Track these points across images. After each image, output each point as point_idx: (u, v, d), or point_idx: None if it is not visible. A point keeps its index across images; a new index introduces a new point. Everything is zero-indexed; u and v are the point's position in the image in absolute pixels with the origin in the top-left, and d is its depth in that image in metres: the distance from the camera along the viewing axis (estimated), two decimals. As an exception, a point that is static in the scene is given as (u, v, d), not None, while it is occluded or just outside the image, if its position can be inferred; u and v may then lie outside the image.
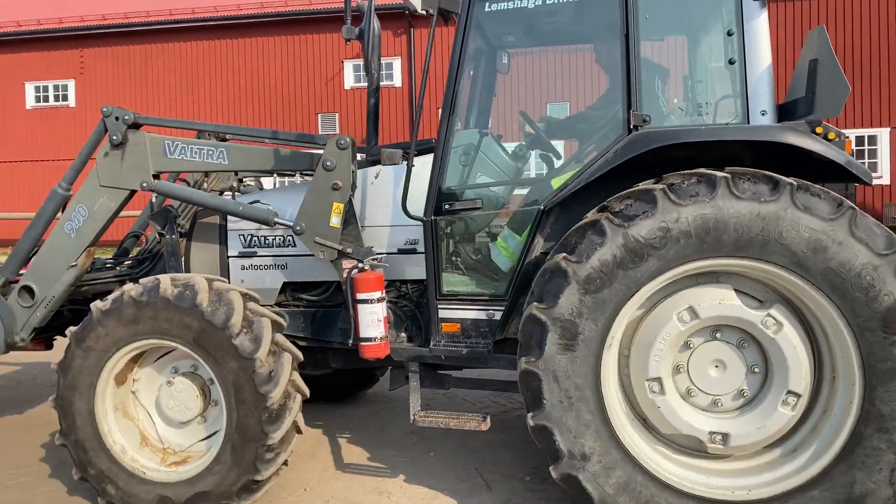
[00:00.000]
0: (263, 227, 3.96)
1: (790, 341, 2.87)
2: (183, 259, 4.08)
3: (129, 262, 4.53)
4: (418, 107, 3.50)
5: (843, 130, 3.02)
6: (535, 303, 2.97)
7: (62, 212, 3.94)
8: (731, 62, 3.15)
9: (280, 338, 3.40)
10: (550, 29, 3.72)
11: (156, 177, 3.84)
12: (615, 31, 3.20)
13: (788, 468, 2.93)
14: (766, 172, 2.80)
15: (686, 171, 2.89)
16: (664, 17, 3.39)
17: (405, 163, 3.48)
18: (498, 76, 4.13)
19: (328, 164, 3.57)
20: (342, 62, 19.50)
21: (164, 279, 3.34)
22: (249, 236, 4.05)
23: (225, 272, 4.06)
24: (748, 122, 3.11)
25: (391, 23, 18.47)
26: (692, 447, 3.08)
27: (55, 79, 21.18)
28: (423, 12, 3.44)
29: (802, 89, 3.10)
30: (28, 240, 3.98)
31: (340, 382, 5.16)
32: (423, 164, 3.55)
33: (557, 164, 3.92)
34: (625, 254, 2.84)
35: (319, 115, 19.83)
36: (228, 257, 4.07)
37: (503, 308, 3.46)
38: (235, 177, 4.48)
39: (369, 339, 3.47)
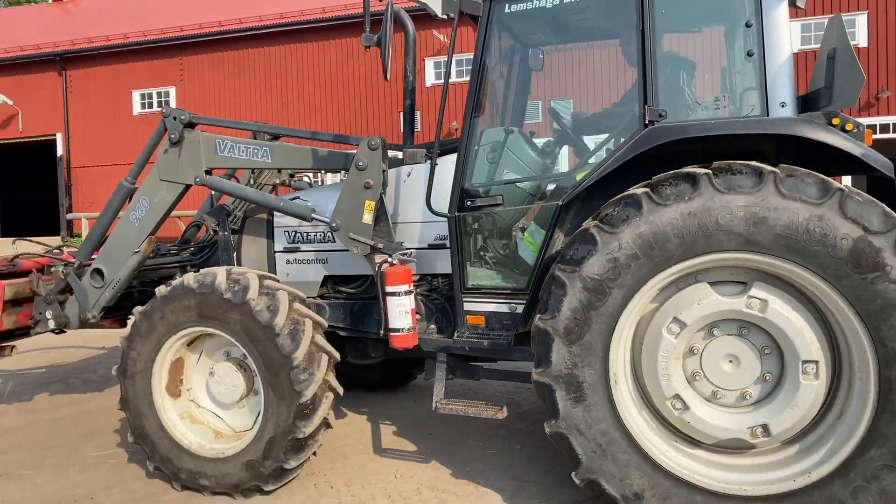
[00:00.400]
0: (305, 223, 4.23)
1: (781, 314, 2.84)
2: (235, 253, 4.42)
3: (191, 249, 4.93)
4: (441, 107, 3.63)
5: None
6: (534, 368, 3.11)
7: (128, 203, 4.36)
8: (749, 54, 3.10)
9: (319, 339, 3.63)
10: (571, 27, 3.76)
11: (208, 172, 4.16)
12: (632, 28, 3.22)
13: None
14: (687, 170, 2.85)
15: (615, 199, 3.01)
16: (682, 11, 3.36)
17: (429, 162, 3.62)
18: (524, 74, 4.19)
19: (360, 164, 3.78)
20: (423, 60, 19.80)
21: (221, 273, 3.63)
22: (293, 232, 4.34)
23: (272, 266, 4.36)
24: (767, 114, 3.05)
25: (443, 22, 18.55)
26: (739, 447, 3.04)
27: (158, 86, 22.63)
28: (444, 16, 3.56)
29: (822, 79, 3.00)
30: (99, 227, 4.43)
31: (392, 372, 5.38)
32: (452, 163, 3.69)
33: (579, 159, 3.95)
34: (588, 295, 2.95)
35: (401, 113, 20.20)
36: (275, 252, 4.36)
37: (525, 301, 3.54)
38: (280, 174, 4.79)
39: (397, 330, 3.64)
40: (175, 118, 4.09)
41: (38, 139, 23.25)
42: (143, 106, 22.93)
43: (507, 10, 3.51)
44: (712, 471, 3.01)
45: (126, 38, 22.22)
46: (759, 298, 2.86)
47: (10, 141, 23.56)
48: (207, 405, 3.87)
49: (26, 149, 24.20)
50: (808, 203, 2.67)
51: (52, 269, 4.40)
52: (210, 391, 3.84)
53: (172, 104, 22.30)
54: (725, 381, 3.03)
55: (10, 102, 22.42)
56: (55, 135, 22.96)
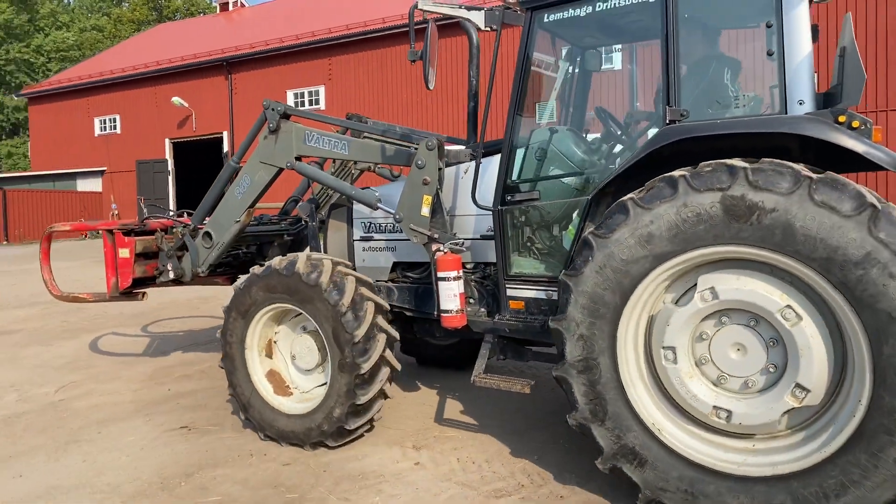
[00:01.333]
0: (378, 215, 4.78)
1: (807, 333, 2.89)
2: (321, 241, 5.07)
3: (288, 220, 5.72)
4: (486, 110, 3.96)
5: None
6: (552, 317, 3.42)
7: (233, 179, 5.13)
8: (769, 54, 3.13)
9: (380, 320, 4.13)
10: (604, 31, 3.93)
11: (298, 159, 4.78)
12: (657, 30, 3.36)
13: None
14: (727, 162, 2.93)
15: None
16: (705, 13, 3.42)
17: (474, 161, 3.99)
18: (562, 74, 4.39)
19: (419, 162, 4.22)
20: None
21: (302, 258, 4.24)
22: (368, 223, 4.90)
23: (351, 253, 4.96)
24: (786, 112, 3.07)
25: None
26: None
27: (309, 86, 24.53)
28: (488, 29, 3.88)
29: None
30: (210, 198, 5.24)
31: (461, 353, 5.80)
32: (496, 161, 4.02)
33: (612, 157, 4.10)
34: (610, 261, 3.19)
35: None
36: (353, 241, 4.96)
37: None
38: (356, 166, 5.38)
39: (447, 311, 4.05)
40: (273, 109, 4.72)
41: (209, 137, 26.26)
42: (296, 105, 24.95)
43: (545, 20, 3.77)
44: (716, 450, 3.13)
45: (281, 42, 24.27)
46: (796, 312, 2.92)
47: (185, 139, 26.85)
48: (288, 369, 4.53)
49: (198, 145, 27.42)
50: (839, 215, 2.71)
51: (174, 229, 5.36)
52: (291, 357, 4.49)
53: (322, 103, 24.13)
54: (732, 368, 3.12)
55: (186, 105, 25.54)
56: (222, 132, 25.78)
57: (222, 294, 8.25)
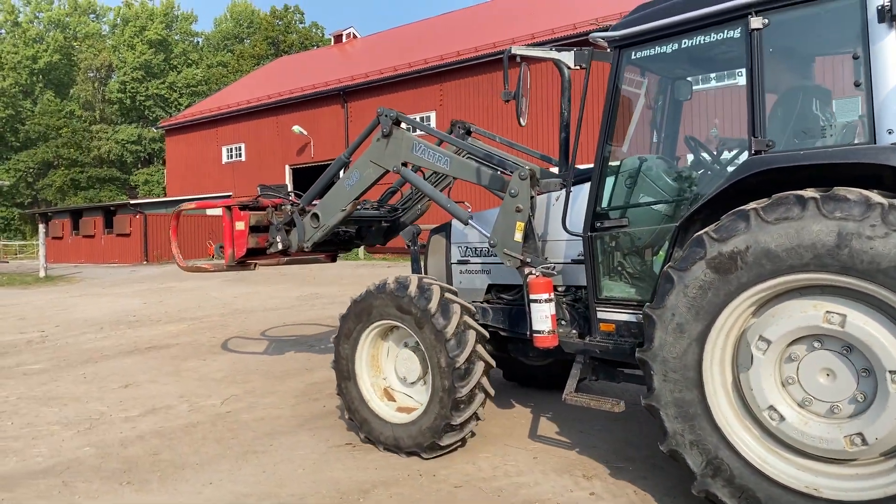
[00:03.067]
0: (474, 240, 5.12)
1: (861, 326, 2.92)
2: (422, 264, 5.47)
3: (386, 208, 6.27)
4: (575, 141, 4.20)
5: None
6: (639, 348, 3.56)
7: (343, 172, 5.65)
8: (856, 85, 3.17)
9: (480, 348, 4.40)
10: (691, 64, 4.05)
11: (404, 164, 5.21)
12: (743, 62, 3.48)
13: None
14: (796, 193, 3.05)
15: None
16: (791, 46, 3.49)
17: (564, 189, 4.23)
18: (656, 105, 4.53)
19: (512, 191, 4.52)
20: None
21: (414, 281, 4.59)
22: (465, 247, 5.25)
23: (449, 275, 5.32)
24: (875, 142, 3.10)
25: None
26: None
27: (420, 111, 25.33)
28: (577, 67, 4.12)
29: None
30: (319, 185, 5.82)
31: (551, 373, 5.98)
32: (587, 188, 4.24)
33: (699, 185, 4.19)
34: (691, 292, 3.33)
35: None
36: (451, 263, 5.32)
37: (648, 312, 3.95)
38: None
39: (539, 332, 4.29)
40: (387, 116, 5.17)
41: (326, 162, 27.85)
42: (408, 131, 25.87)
43: (633, 56, 3.97)
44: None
45: (395, 71, 25.41)
46: (836, 313, 2.99)
47: (304, 164, 28.64)
48: (391, 379, 4.92)
49: (317, 170, 29.12)
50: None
51: (282, 206, 5.98)
52: (394, 369, 4.88)
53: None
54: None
55: (305, 133, 27.30)
56: (336, 159, 27.28)
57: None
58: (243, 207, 5.96)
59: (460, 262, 5.29)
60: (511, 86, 4.11)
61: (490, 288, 5.15)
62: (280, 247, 5.93)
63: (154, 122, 57.26)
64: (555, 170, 5.38)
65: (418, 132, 5.29)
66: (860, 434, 2.96)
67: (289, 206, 6.00)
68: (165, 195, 43.60)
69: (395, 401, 4.84)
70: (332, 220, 5.58)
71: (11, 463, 4.76)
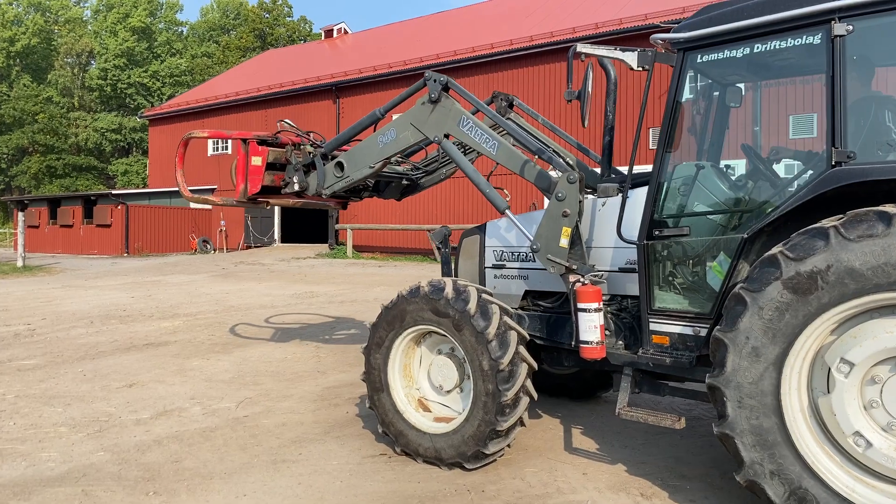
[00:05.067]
0: (511, 245, 4.95)
1: None
2: (454, 267, 5.28)
3: (409, 166, 6.12)
4: (634, 147, 4.05)
5: None
6: (709, 373, 3.40)
7: (374, 128, 5.46)
8: (948, 95, 3.06)
9: (522, 349, 4.21)
10: (762, 69, 3.93)
11: (446, 136, 4.95)
12: (822, 71, 3.36)
13: None
14: (880, 209, 2.95)
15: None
16: (875, 54, 3.38)
17: (620, 194, 4.08)
18: (715, 111, 4.41)
19: (560, 195, 4.35)
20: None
21: (449, 284, 4.39)
22: (500, 251, 5.07)
23: (482, 279, 5.14)
24: (968, 157, 3.00)
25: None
26: None
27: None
28: (640, 69, 3.98)
29: None
30: (346, 134, 5.64)
31: (583, 383, 5.85)
32: (641, 194, 4.10)
33: (767, 196, 4.07)
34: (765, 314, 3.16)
35: (650, 130, 20.01)
36: (485, 268, 5.13)
37: (708, 325, 3.81)
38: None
39: (587, 343, 4.13)
40: (435, 80, 4.87)
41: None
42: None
43: (699, 60, 3.83)
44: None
45: (390, 68, 25.14)
46: None
47: (291, 159, 28.22)
48: (426, 390, 4.72)
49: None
50: None
51: (301, 146, 5.77)
52: (430, 379, 4.68)
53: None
54: None
55: (294, 126, 26.88)
56: (327, 154, 26.95)
57: (354, 319, 8.61)
58: (262, 142, 5.68)
59: (495, 267, 5.11)
60: (575, 85, 3.94)
61: (526, 294, 4.98)
62: (296, 188, 5.72)
63: (135, 110, 56.19)
64: (594, 168, 5.23)
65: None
66: (954, 460, 2.86)
67: (309, 148, 5.80)
68: (146, 186, 42.78)
69: (430, 411, 4.65)
70: (357, 175, 5.42)
71: (21, 468, 4.47)
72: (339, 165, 5.51)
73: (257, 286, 15.76)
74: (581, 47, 3.88)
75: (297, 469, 4.40)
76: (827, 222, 3.09)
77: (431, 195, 23.78)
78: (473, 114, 5.04)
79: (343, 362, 7.60)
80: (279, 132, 5.87)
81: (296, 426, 5.31)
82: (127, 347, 8.61)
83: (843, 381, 3.10)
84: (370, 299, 13.05)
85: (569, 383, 5.85)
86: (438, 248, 5.40)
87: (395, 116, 5.21)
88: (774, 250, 3.20)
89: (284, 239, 29.45)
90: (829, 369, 3.18)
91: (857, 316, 3.10)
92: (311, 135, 6.02)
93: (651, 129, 19.35)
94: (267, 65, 35.77)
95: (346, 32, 37.37)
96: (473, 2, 32.93)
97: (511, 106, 5.67)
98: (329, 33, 37.56)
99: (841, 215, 3.11)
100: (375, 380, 4.67)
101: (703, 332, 3.84)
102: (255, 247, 28.89)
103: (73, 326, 10.25)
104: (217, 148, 30.96)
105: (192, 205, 30.99)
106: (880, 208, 2.95)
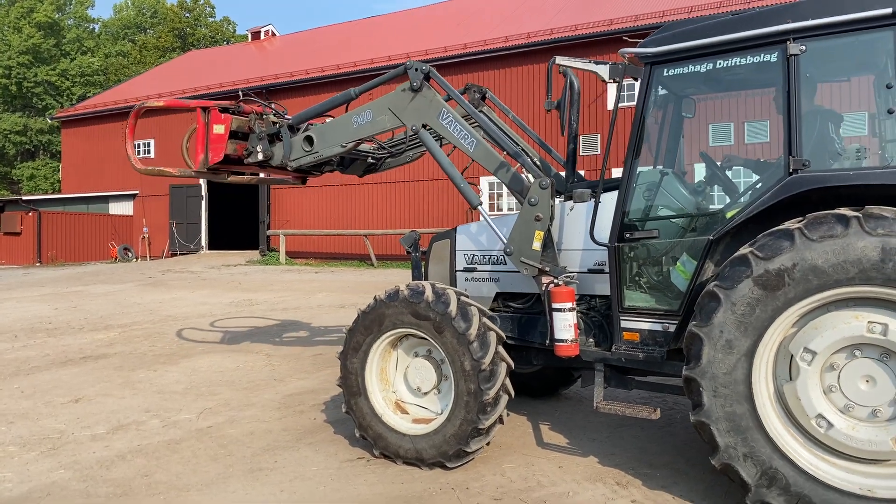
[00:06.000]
0: (482, 249, 5.08)
1: None
2: (423, 270, 5.36)
3: (375, 144, 6.15)
4: (605, 155, 4.27)
5: None
6: (685, 366, 3.62)
7: (346, 109, 5.40)
8: (890, 112, 3.44)
9: (501, 349, 4.34)
10: (722, 83, 4.25)
11: (424, 126, 4.95)
12: (778, 87, 3.68)
13: None
14: (839, 212, 3.24)
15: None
16: (826, 72, 3.74)
17: (593, 199, 4.29)
18: (678, 121, 4.71)
19: (532, 200, 4.52)
20: (605, 84, 20.13)
21: (428, 287, 4.45)
22: (471, 255, 5.20)
23: (453, 283, 5.24)
24: (907, 165, 3.37)
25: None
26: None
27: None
28: (611, 81, 4.21)
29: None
30: (315, 110, 5.62)
31: (546, 381, 6.05)
32: (610, 199, 4.32)
33: (728, 200, 4.39)
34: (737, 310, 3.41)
35: (581, 137, 20.54)
36: (456, 271, 5.25)
37: (676, 322, 4.06)
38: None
39: (562, 341, 4.30)
40: (417, 69, 4.87)
41: (241, 162, 26.76)
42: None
43: (665, 74, 4.09)
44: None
45: (322, 72, 24.71)
46: (878, 323, 3.20)
47: (219, 164, 27.37)
48: (403, 392, 4.77)
49: (231, 170, 27.98)
50: None
51: (265, 116, 5.69)
52: (407, 381, 4.73)
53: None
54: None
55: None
56: (255, 158, 26.27)
57: (300, 326, 8.47)
58: (224, 110, 5.56)
59: (466, 270, 5.23)
60: (554, 95, 4.12)
61: (497, 296, 5.13)
62: (260, 157, 5.60)
63: (43, 111, 52.85)
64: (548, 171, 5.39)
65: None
66: (907, 435, 3.19)
67: (273, 118, 5.72)
68: (57, 192, 40.35)
69: (407, 413, 4.70)
70: (328, 152, 5.41)
71: (-25, 491, 4.22)
72: (309, 140, 5.47)
73: (191, 295, 15.23)
74: (560, 59, 4.06)
75: (276, 477, 4.35)
76: (791, 224, 3.39)
77: (365, 201, 23.69)
78: (446, 101, 5.05)
79: (298, 370, 7.50)
80: (241, 100, 5.75)
81: (264, 434, 5.23)
82: (62, 361, 8.18)
83: (806, 369, 3.40)
84: (313, 306, 12.89)
85: (531, 382, 6.03)
86: (408, 252, 5.46)
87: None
88: (744, 250, 3.46)
89: (212, 245, 28.45)
90: (792, 358, 3.48)
91: (818, 309, 3.41)
92: (274, 105, 5.93)
93: (582, 137, 20.06)
94: (191, 65, 34.55)
95: (273, 35, 36.65)
96: (402, 8, 33.02)
97: (483, 98, 5.75)
98: (256, 35, 36.70)
99: (801, 217, 3.41)
100: (352, 384, 4.68)
101: (672, 329, 4.09)
102: (181, 254, 27.78)
103: (-4, 341, 9.62)
104: (139, 152, 29.62)
105: (112, 211, 29.51)
106: (838, 211, 3.27)
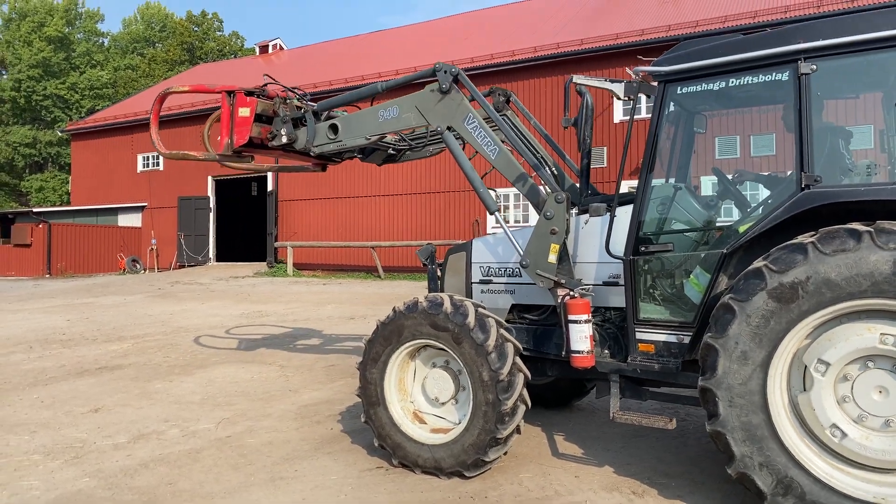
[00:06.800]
0: (498, 261, 5.19)
1: None
2: (440, 283, 5.47)
3: (398, 137, 6.14)
4: (620, 170, 4.37)
5: None
6: (701, 377, 3.71)
7: (371, 102, 5.54)
8: (899, 129, 3.53)
9: (518, 360, 4.41)
10: (735, 100, 4.36)
11: (449, 128, 5.04)
12: (790, 105, 3.78)
13: None
14: (851, 227, 3.35)
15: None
16: (837, 91, 3.84)
17: (609, 213, 4.39)
18: (692, 137, 4.82)
19: (548, 214, 4.63)
20: (611, 96, 20.29)
21: (447, 299, 4.54)
22: (487, 267, 5.30)
23: (469, 294, 5.34)
24: (914, 181, 3.46)
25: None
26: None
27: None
28: (626, 98, 4.32)
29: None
30: (341, 100, 5.71)
31: (559, 393, 6.13)
32: (625, 213, 4.42)
33: (741, 214, 4.48)
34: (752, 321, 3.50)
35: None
36: (472, 283, 5.34)
37: (691, 334, 4.15)
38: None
39: (578, 352, 4.39)
40: (446, 71, 4.95)
41: (253, 174, 26.98)
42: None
43: (678, 92, 4.21)
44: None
45: (330, 86, 24.94)
46: (891, 335, 3.28)
47: (229, 177, 27.62)
48: (420, 402, 4.85)
49: (242, 183, 28.21)
50: None
51: (288, 101, 5.78)
52: (424, 391, 4.82)
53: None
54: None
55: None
56: (266, 172, 26.50)
57: (312, 338, 8.56)
58: (249, 93, 5.65)
59: (482, 282, 5.33)
60: (571, 113, 4.23)
61: (513, 308, 5.22)
62: (284, 140, 5.67)
63: (52, 124, 53.37)
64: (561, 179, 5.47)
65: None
66: (920, 445, 3.26)
67: (295, 101, 5.81)
68: (66, 204, 40.68)
69: (425, 423, 4.78)
70: (351, 142, 5.52)
71: (3, 498, 4.30)
72: (333, 128, 5.58)
73: (201, 306, 15.35)
74: (577, 78, 4.18)
75: (298, 486, 4.43)
76: (804, 238, 3.48)
77: (372, 213, 23.83)
78: (470, 101, 5.10)
79: (312, 380, 7.59)
80: (265, 85, 5.83)
81: (283, 444, 5.31)
82: (79, 372, 8.28)
83: (820, 380, 3.48)
84: (323, 317, 12.98)
85: (545, 393, 6.11)
86: (425, 265, 5.57)
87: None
88: (758, 264, 3.55)
89: (220, 257, 28.62)
90: (806, 369, 3.56)
91: (831, 321, 3.49)
92: (297, 89, 6.00)
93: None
94: (199, 79, 34.87)
95: (281, 49, 37.03)
96: (408, 22, 33.34)
97: (508, 101, 5.83)
98: (264, 49, 37.11)
99: (814, 232, 3.50)
100: (371, 394, 4.77)
101: (687, 340, 4.17)
102: (189, 266, 27.95)
103: (12, 352, 9.74)
104: (148, 164, 29.91)
105: (122, 223, 29.72)
106: (850, 226, 3.36)
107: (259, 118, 5.72)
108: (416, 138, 6.26)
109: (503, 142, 5.03)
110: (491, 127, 5.16)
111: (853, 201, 3.50)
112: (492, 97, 5.79)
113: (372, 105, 5.51)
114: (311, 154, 5.78)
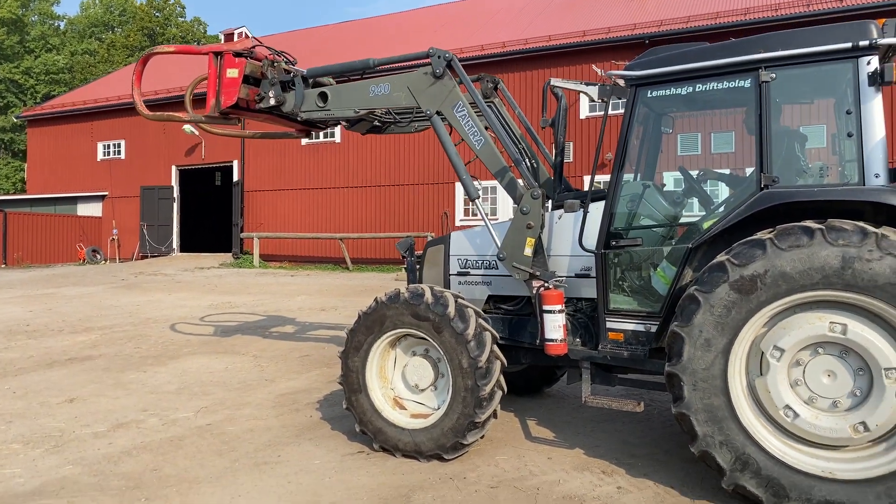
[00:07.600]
0: (475, 254, 5.39)
1: (859, 333, 3.55)
2: (419, 274, 5.65)
3: (385, 109, 6.09)
4: (593, 168, 4.61)
5: None
6: (667, 363, 3.97)
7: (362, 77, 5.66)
8: (849, 135, 3.84)
9: (496, 348, 4.63)
10: (700, 104, 4.64)
11: (438, 113, 5.15)
12: (751, 112, 4.06)
13: None
14: (805, 224, 3.64)
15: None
16: (794, 98, 4.14)
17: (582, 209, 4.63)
18: (660, 137, 5.09)
19: (524, 209, 4.85)
20: (578, 94, 20.66)
21: (427, 290, 4.73)
22: (465, 260, 5.50)
23: (446, 286, 5.53)
24: (864, 184, 3.77)
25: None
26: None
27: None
28: (600, 101, 4.55)
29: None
30: (332, 69, 5.83)
31: (530, 380, 6.37)
32: (597, 209, 4.66)
33: (705, 211, 4.77)
34: (715, 311, 3.77)
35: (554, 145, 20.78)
36: (450, 275, 5.54)
37: (658, 323, 4.42)
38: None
39: (552, 340, 4.63)
40: (440, 56, 5.06)
41: (218, 165, 26.68)
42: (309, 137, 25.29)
43: (649, 95, 4.46)
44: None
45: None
46: (839, 323, 3.59)
47: (193, 166, 27.23)
48: (400, 389, 5.04)
49: (207, 173, 27.85)
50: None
51: (276, 64, 5.85)
52: (404, 379, 5.00)
53: (337, 136, 24.63)
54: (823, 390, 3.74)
55: (196, 132, 25.96)
56: (232, 161, 26.20)
57: (283, 328, 8.67)
58: (237, 55, 5.69)
59: (460, 274, 5.53)
60: (549, 113, 4.44)
61: (489, 298, 5.43)
62: (272, 102, 5.72)
63: (5, 109, 51.61)
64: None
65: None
66: (863, 423, 3.58)
67: (283, 64, 5.85)
68: (22, 192, 39.43)
69: (405, 409, 4.96)
70: (339, 113, 5.62)
71: (-13, 485, 4.34)
72: (323, 96, 5.65)
73: (167, 297, 15.22)
74: (554, 81, 4.39)
75: (282, 470, 4.58)
76: (763, 234, 3.76)
77: (340, 204, 23.81)
78: (458, 84, 5.20)
79: (287, 370, 7.70)
80: (253, 47, 5.87)
81: (264, 431, 5.44)
82: (48, 363, 8.22)
83: (775, 365, 3.78)
84: (294, 308, 13.03)
85: (516, 381, 6.35)
86: (403, 257, 5.74)
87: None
88: (722, 257, 3.83)
89: (184, 248, 28.21)
90: (763, 355, 3.85)
91: (786, 311, 3.79)
92: (284, 54, 6.05)
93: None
94: (163, 66, 34.17)
95: (247, 37, 36.46)
96: (379, 13, 33.26)
97: (496, 88, 5.97)
98: (230, 37, 36.48)
99: (772, 229, 3.79)
100: (353, 382, 4.93)
101: (654, 329, 4.44)
102: (152, 256, 27.51)
103: (-25, 343, 9.58)
104: (109, 153, 29.24)
105: (80, 212, 29.02)
106: (804, 224, 3.65)
107: (247, 80, 5.75)
108: (402, 113, 6.30)
109: (486, 128, 5.18)
110: (476, 114, 5.30)
111: (807, 201, 3.79)
112: (480, 83, 5.91)
113: (362, 79, 5.61)
114: (298, 119, 5.84)
